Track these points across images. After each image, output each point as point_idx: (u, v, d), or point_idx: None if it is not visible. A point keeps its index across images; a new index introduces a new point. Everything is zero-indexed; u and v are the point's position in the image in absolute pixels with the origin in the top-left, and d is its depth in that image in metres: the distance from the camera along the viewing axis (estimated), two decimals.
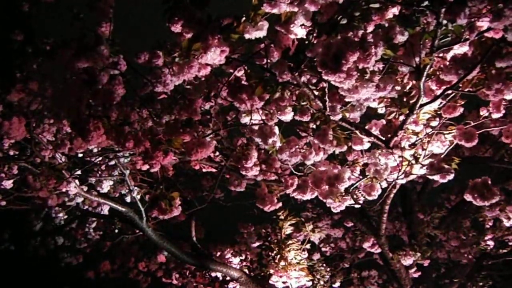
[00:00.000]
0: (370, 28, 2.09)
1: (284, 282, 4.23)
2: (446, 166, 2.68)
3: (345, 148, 2.90)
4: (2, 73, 2.47)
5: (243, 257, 4.85)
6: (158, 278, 5.70)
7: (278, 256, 4.31)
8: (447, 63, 2.37)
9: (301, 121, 2.80)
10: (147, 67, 2.51)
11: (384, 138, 2.72)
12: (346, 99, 2.36)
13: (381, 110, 2.86)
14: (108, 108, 2.42)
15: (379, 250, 4.95)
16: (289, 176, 2.94)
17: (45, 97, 2.72)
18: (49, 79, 2.52)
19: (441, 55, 2.35)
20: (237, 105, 2.56)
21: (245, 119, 2.86)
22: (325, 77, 1.97)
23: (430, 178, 2.84)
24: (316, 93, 2.43)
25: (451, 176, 2.72)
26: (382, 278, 6.42)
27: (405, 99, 2.69)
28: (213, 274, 4.97)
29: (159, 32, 2.38)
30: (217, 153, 3.57)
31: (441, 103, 2.69)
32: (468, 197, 2.61)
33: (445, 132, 2.81)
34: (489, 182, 2.56)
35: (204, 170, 3.83)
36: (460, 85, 2.40)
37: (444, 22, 2.03)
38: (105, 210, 4.26)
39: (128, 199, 4.21)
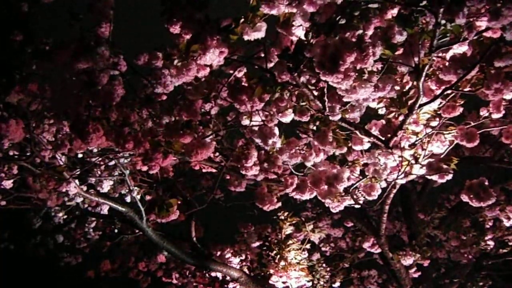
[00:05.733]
0: (369, 32, 2.09)
1: (284, 282, 4.23)
2: (445, 166, 2.68)
3: (345, 149, 2.91)
4: (1, 74, 2.47)
5: (243, 257, 4.85)
6: (158, 278, 5.70)
7: (278, 256, 4.31)
8: (446, 62, 2.37)
9: (301, 122, 2.80)
10: (147, 68, 2.51)
11: (383, 138, 2.72)
12: (345, 99, 2.36)
13: (380, 110, 2.86)
14: (107, 108, 2.42)
15: (379, 250, 4.95)
16: (288, 175, 2.94)
17: (45, 98, 2.72)
18: (49, 80, 2.52)
19: (440, 55, 2.36)
20: (237, 107, 2.56)
21: (245, 121, 2.86)
22: (323, 78, 1.97)
23: (430, 178, 2.84)
24: (316, 93, 2.43)
25: (449, 176, 2.72)
26: (382, 278, 6.42)
27: (404, 99, 2.69)
28: (213, 274, 4.97)
29: (159, 32, 2.38)
30: (217, 153, 3.57)
31: (440, 103, 2.69)
32: (464, 198, 2.61)
33: (445, 132, 2.81)
34: (486, 183, 2.55)
35: (204, 170, 3.83)
36: (460, 84, 2.40)
37: (443, 22, 2.03)
38: (105, 210, 4.26)
39: (128, 199, 4.21)
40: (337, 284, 5.52)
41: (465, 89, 2.51)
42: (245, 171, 2.92)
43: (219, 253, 4.71)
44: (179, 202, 2.77)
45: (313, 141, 2.81)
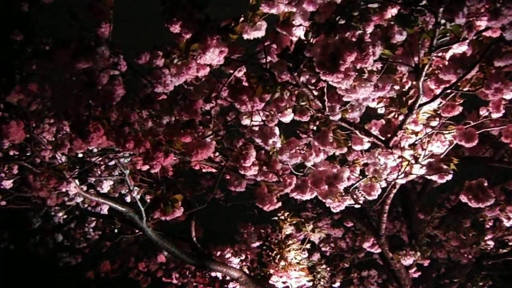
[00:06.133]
0: (369, 29, 2.10)
1: (284, 282, 4.23)
2: (445, 167, 2.68)
3: (345, 149, 2.91)
4: (1, 74, 2.47)
5: (243, 257, 4.85)
6: (158, 278, 5.70)
7: (278, 256, 4.31)
8: (446, 62, 2.37)
9: (301, 122, 2.80)
10: (147, 68, 2.52)
11: (383, 138, 2.72)
12: (345, 99, 2.36)
13: (380, 110, 2.86)
14: (108, 108, 2.42)
15: (379, 250, 4.95)
16: (287, 175, 2.94)
17: (45, 98, 2.72)
18: (49, 80, 2.52)
19: (439, 54, 2.36)
20: (238, 106, 2.56)
21: (245, 121, 2.87)
22: (323, 78, 1.97)
23: (430, 178, 2.84)
24: (315, 93, 2.43)
25: (449, 177, 2.71)
26: (382, 278, 6.42)
27: (404, 99, 2.69)
28: (213, 274, 4.97)
29: (159, 32, 2.38)
30: (217, 153, 3.57)
31: (440, 102, 2.69)
32: (463, 198, 2.61)
33: (445, 132, 2.81)
34: (485, 184, 2.55)
35: (204, 170, 3.84)
36: (459, 84, 2.40)
37: (443, 21, 2.03)
38: (105, 209, 4.27)
39: (128, 199, 4.21)
40: (337, 284, 5.53)
41: (465, 89, 2.51)
42: (243, 171, 2.92)
43: (219, 253, 4.71)
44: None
45: (313, 141, 2.82)
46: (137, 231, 4.07)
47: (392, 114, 2.79)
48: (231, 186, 3.80)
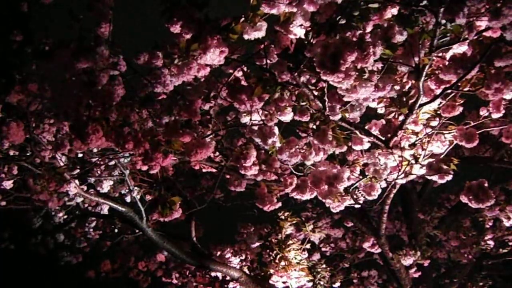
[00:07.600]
0: (369, 28, 2.10)
1: (284, 282, 4.23)
2: (445, 167, 2.68)
3: (345, 148, 2.91)
4: (1, 74, 2.47)
5: (243, 257, 4.85)
6: (158, 278, 5.70)
7: (278, 256, 4.31)
8: (446, 62, 2.37)
9: (301, 121, 2.80)
10: (146, 68, 2.52)
11: (383, 138, 2.72)
12: (345, 99, 2.36)
13: (380, 110, 2.86)
14: (107, 108, 2.42)
15: (379, 250, 4.95)
16: (288, 175, 2.94)
17: (45, 98, 2.73)
18: (49, 80, 2.52)
19: (440, 54, 2.35)
20: (237, 106, 2.56)
21: (245, 120, 2.87)
22: (324, 77, 1.97)
23: (430, 178, 2.84)
24: (316, 93, 2.43)
25: (449, 177, 2.71)
26: (382, 278, 6.43)
27: (404, 99, 2.69)
28: (213, 274, 4.97)
29: (159, 32, 2.38)
30: (217, 153, 3.57)
31: (440, 102, 2.69)
32: (463, 199, 2.61)
33: (445, 132, 2.81)
34: (486, 184, 2.55)
35: (204, 170, 3.84)
36: (460, 84, 2.40)
37: (443, 21, 2.03)
38: (105, 209, 4.27)
39: (128, 199, 4.20)
40: (337, 284, 5.53)
41: (465, 89, 2.51)
42: (244, 170, 2.92)
43: (219, 253, 4.71)
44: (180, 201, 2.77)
45: (312, 140, 2.82)
46: (137, 231, 4.07)
47: (392, 114, 2.79)
48: (231, 186, 3.80)
